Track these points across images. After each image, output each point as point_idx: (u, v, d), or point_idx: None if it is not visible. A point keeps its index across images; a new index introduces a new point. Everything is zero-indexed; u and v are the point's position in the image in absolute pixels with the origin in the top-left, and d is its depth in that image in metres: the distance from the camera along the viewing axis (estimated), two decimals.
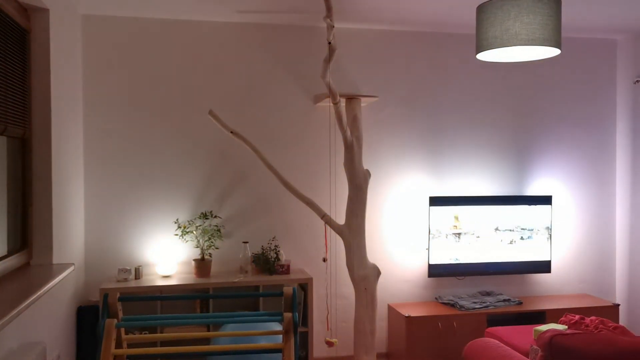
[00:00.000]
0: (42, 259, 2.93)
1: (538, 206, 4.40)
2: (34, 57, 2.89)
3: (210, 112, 3.51)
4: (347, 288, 4.22)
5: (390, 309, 4.23)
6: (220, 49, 4.04)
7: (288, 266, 3.94)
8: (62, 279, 2.84)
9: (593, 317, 3.09)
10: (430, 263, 4.23)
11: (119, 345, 2.60)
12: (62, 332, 3.20)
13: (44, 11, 2.88)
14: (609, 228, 4.70)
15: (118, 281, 3.69)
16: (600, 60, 4.66)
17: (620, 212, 4.67)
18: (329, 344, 3.52)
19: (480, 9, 2.50)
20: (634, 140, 4.53)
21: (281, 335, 2.76)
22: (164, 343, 3.69)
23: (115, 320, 2.52)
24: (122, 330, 2.64)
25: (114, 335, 2.46)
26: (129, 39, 3.91)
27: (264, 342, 3.03)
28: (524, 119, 4.54)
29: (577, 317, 3.14)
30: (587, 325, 3.03)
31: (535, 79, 4.54)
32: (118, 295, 2.60)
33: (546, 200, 4.42)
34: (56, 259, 3.00)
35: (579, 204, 4.64)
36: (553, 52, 2.56)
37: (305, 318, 3.86)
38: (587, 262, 4.66)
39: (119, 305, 2.60)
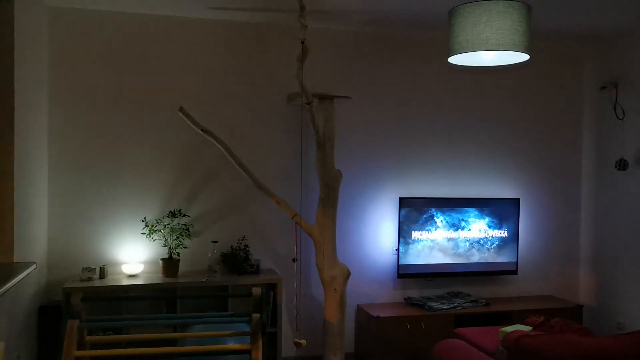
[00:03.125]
0: (3, 257, 2.85)
1: (506, 208, 4.47)
2: None
3: (181, 109, 3.46)
4: (317, 288, 4.21)
5: (360, 309, 4.23)
6: (191, 46, 3.98)
7: (257, 266, 3.91)
8: (23, 278, 2.75)
9: (557, 319, 3.15)
10: (400, 264, 4.25)
11: (82, 346, 2.53)
12: (22, 333, 3.11)
13: (8, 1, 2.79)
14: (573, 231, 4.80)
15: (82, 280, 3.61)
16: (567, 67, 4.76)
17: (584, 215, 4.78)
18: (298, 344, 3.49)
19: (452, 13, 2.51)
20: (599, 145, 4.64)
21: (249, 336, 2.74)
22: (129, 344, 3.61)
23: (78, 321, 2.45)
24: (85, 331, 2.58)
25: (76, 337, 2.40)
26: (97, 33, 3.82)
27: (232, 343, 3.00)
28: (493, 122, 4.60)
29: (542, 318, 3.19)
30: (551, 327, 3.08)
31: (503, 83, 4.61)
32: (81, 295, 2.53)
33: (514, 202, 4.49)
34: (17, 257, 2.92)
35: (546, 207, 4.72)
36: (522, 57, 2.59)
37: (274, 318, 3.83)
38: (552, 264, 4.75)
39: (82, 306, 2.54)
